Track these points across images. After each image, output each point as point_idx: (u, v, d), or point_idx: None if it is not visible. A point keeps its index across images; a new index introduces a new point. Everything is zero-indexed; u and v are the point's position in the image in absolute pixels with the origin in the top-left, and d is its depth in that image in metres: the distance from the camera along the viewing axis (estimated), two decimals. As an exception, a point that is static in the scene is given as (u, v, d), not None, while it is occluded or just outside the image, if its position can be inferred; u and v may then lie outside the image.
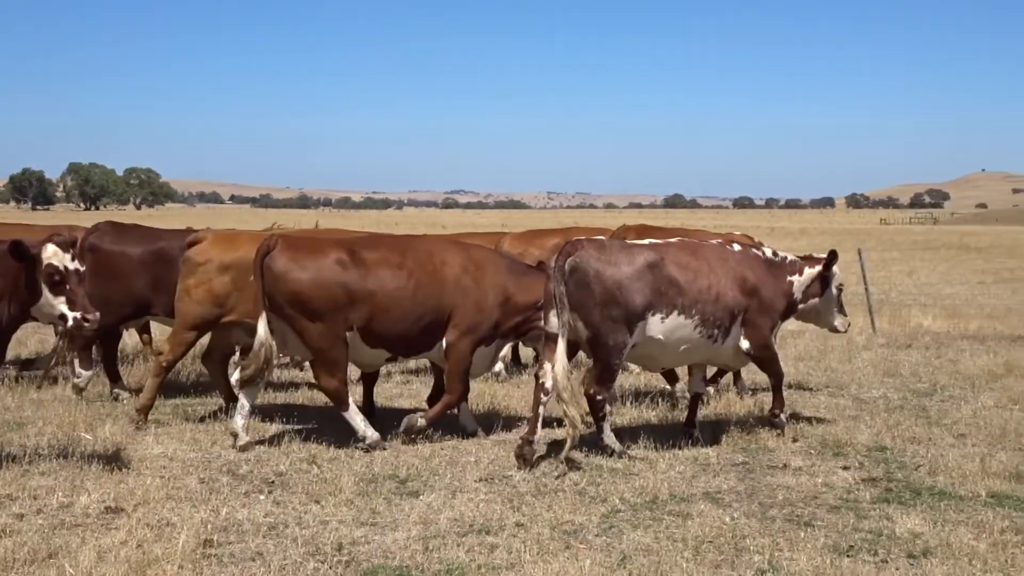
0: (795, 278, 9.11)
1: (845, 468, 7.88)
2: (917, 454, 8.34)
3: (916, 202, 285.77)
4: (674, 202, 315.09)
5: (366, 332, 8.44)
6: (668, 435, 8.76)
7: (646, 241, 8.54)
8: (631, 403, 10.08)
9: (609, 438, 8.25)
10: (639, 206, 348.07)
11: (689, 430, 8.78)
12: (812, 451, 8.45)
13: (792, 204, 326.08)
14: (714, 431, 8.90)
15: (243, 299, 9.02)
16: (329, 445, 8.43)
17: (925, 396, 11.00)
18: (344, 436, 8.50)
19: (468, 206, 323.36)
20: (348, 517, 6.61)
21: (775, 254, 9.11)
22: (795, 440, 8.77)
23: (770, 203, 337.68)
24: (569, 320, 7.88)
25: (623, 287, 8.00)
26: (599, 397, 8.15)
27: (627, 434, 8.75)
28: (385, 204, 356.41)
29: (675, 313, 8.19)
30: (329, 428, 8.89)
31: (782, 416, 8.94)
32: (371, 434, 8.41)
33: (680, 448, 8.41)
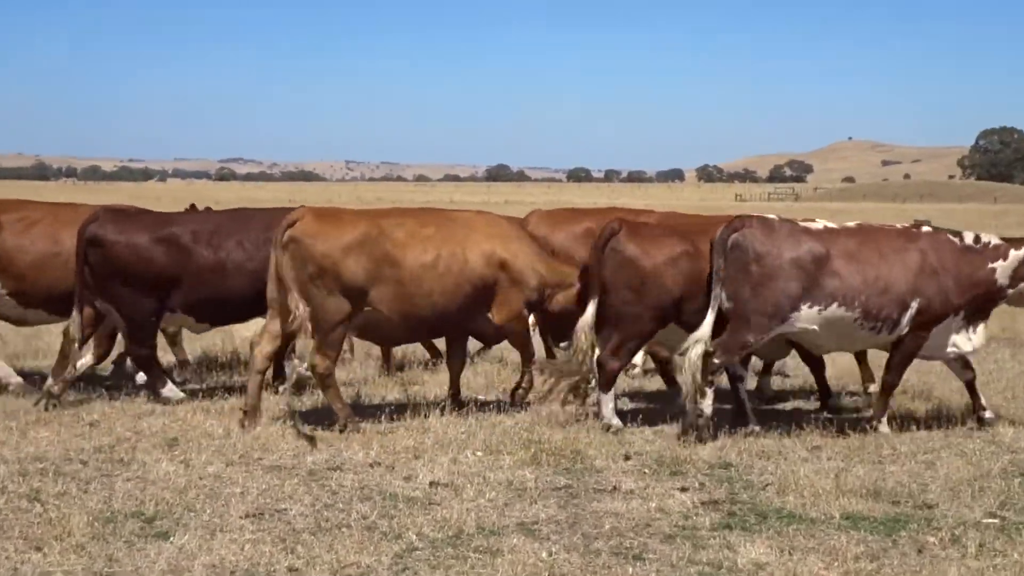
0: (999, 264, 9.93)
1: (683, 489, 8.07)
2: (765, 471, 8.62)
3: (776, 175, 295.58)
4: (498, 174, 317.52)
5: (682, 322, 9.88)
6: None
7: (819, 224, 9.76)
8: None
9: (701, 407, 9.46)
10: (456, 178, 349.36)
11: (872, 423, 9.96)
12: (646, 470, 8.62)
13: (636, 177, 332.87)
14: (535, 450, 8.98)
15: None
16: (57, 477, 8.13)
17: (776, 404, 11.36)
18: (74, 466, 8.21)
19: (248, 177, 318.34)
20: (78, 567, 6.39)
21: (976, 240, 10.00)
22: (627, 458, 8.94)
23: (610, 175, 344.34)
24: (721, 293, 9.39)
25: (777, 274, 9.35)
26: (715, 360, 9.46)
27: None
28: (145, 175, 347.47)
29: (834, 305, 9.47)
30: (58, 451, 8.60)
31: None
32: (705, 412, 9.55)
33: (495, 470, 8.45)
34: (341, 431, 9.68)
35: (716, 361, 9.46)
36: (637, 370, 12.57)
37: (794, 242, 9.48)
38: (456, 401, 10.63)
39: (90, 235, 10.74)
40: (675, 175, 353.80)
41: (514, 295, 10.38)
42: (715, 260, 9.47)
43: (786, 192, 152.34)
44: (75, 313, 10.70)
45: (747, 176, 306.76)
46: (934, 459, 8.98)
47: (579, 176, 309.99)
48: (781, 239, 9.49)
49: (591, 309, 9.97)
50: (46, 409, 10.44)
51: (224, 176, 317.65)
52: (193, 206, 13.47)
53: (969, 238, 10.03)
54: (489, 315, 10.35)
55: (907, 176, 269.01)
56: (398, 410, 10.44)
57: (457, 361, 10.89)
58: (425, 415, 10.10)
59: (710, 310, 9.45)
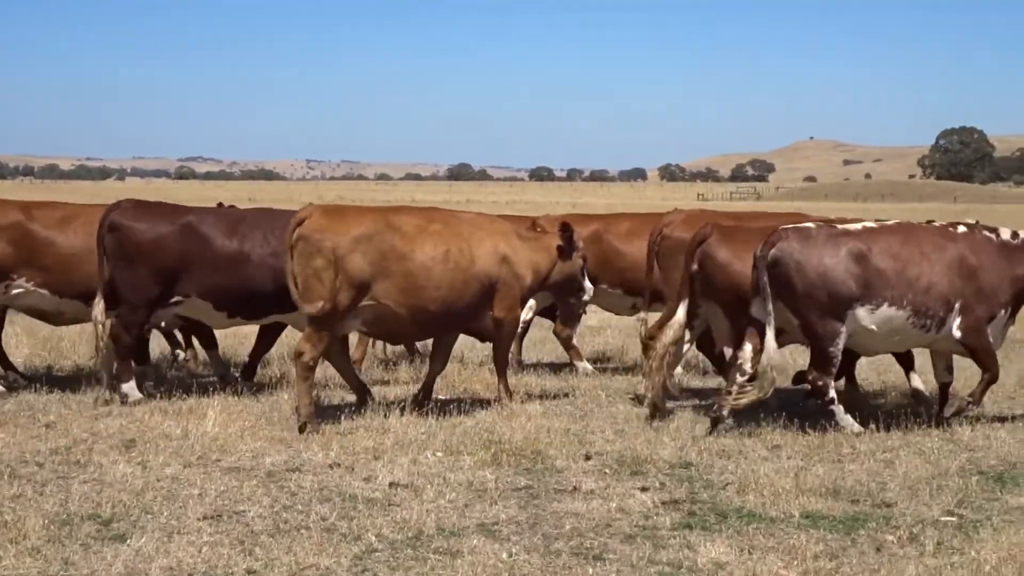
0: None
1: (644, 489, 8.10)
2: (726, 470, 8.67)
3: (738, 174, 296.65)
4: (460, 173, 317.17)
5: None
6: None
7: (857, 226, 9.98)
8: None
9: (844, 420, 9.88)
10: (418, 177, 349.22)
11: (945, 417, 10.25)
12: (607, 470, 8.65)
13: (598, 176, 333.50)
14: (496, 451, 8.99)
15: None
16: (13, 479, 8.08)
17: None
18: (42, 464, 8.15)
19: (208, 176, 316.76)
20: (33, 570, 6.34)
21: (1014, 235, 10.24)
22: (588, 458, 8.97)
23: (572, 175, 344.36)
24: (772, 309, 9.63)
25: (827, 279, 9.60)
26: (820, 383, 9.82)
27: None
28: (103, 174, 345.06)
29: (885, 305, 9.72)
30: (14, 453, 8.53)
31: (970, 406, 10.33)
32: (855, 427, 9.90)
33: (455, 471, 8.46)
34: (301, 431, 9.69)
35: (821, 385, 9.84)
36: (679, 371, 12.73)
37: (833, 246, 9.70)
38: (421, 401, 10.68)
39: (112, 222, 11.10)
40: (637, 174, 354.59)
41: (514, 290, 10.70)
42: (759, 278, 9.69)
43: (748, 191, 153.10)
44: (98, 297, 10.95)
45: (709, 175, 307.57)
46: (893, 458, 9.05)
47: (541, 175, 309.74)
48: (820, 245, 9.71)
49: (681, 312, 10.36)
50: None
51: (184, 175, 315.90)
52: (220, 205, 13.67)
53: (1006, 234, 10.29)
54: (490, 311, 10.64)
55: (868, 176, 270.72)
56: (358, 410, 10.43)
57: (439, 363, 11.04)
58: (385, 415, 10.10)
59: (768, 328, 9.61)
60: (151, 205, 11.49)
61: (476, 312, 10.56)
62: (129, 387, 10.95)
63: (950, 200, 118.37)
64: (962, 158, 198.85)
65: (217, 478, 8.24)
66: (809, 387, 10.31)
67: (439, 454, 8.98)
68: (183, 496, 7.77)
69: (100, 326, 10.90)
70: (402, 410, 10.24)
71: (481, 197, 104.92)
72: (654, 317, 11.21)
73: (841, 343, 9.81)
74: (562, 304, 12.88)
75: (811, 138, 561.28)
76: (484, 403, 10.87)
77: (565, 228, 11.24)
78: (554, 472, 8.59)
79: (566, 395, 11.63)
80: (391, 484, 8.10)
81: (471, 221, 10.75)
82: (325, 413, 10.39)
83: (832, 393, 9.96)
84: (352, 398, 11.11)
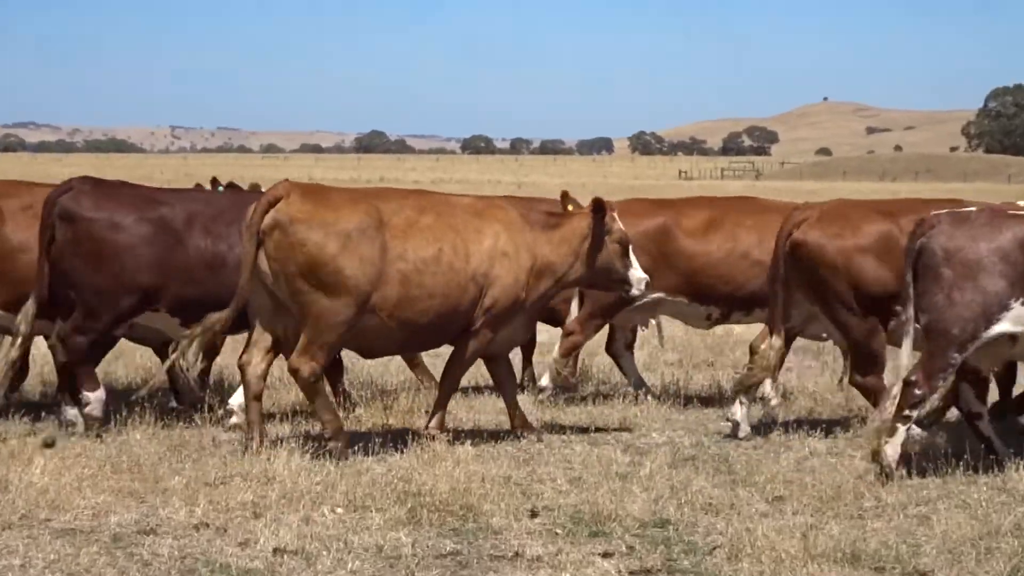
0: None
1: (606, 555, 8.08)
2: (713, 529, 8.66)
3: (731, 146, 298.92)
4: (372, 144, 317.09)
5: None
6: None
7: None
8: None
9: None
10: (318, 149, 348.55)
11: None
12: (559, 530, 8.63)
13: (551, 148, 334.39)
14: (414, 505, 8.95)
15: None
16: None
17: (728, 441, 11.49)
18: None
19: (42, 148, 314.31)
20: None
21: None
22: (534, 514, 8.95)
23: (517, 146, 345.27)
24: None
25: (975, 271, 10.01)
26: (917, 391, 10.07)
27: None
28: None
29: None
30: None
31: None
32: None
33: (360, 532, 8.41)
34: (333, 455, 10.25)
35: (918, 393, 10.09)
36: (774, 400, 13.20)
37: (993, 230, 10.12)
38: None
39: None
40: (601, 145, 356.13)
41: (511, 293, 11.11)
42: (905, 273, 10.32)
43: (744, 167, 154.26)
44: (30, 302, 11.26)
45: (694, 147, 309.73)
46: (929, 512, 9.09)
47: (477, 147, 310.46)
48: (976, 229, 10.13)
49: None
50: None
51: (10, 146, 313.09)
52: (215, 181, 14.00)
53: None
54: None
55: (898, 148, 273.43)
56: (236, 453, 10.35)
57: (450, 383, 11.51)
58: (269, 459, 10.01)
59: (904, 337, 10.22)
60: (114, 188, 11.71)
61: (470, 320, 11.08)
62: (94, 406, 11.37)
63: (1003, 179, 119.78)
64: (1018, 125, 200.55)
65: (46, 543, 8.12)
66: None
67: (339, 510, 8.93)
68: (0, 568, 7.66)
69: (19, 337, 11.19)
70: (291, 452, 10.17)
71: (399, 174, 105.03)
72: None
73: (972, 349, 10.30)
74: (599, 306, 13.11)
75: (825, 100, 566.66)
76: (400, 441, 10.83)
77: (599, 205, 11.40)
78: (490, 533, 8.56)
79: (506, 433, 11.59)
80: (275, 550, 8.01)
81: (467, 208, 11.21)
82: (185, 450, 10.33)
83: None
84: (228, 436, 11.03)
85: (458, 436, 11.19)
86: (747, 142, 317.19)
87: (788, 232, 11.77)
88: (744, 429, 11.56)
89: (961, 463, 10.30)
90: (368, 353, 11.56)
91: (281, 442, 10.53)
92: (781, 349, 11.85)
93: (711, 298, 13.20)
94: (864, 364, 11.58)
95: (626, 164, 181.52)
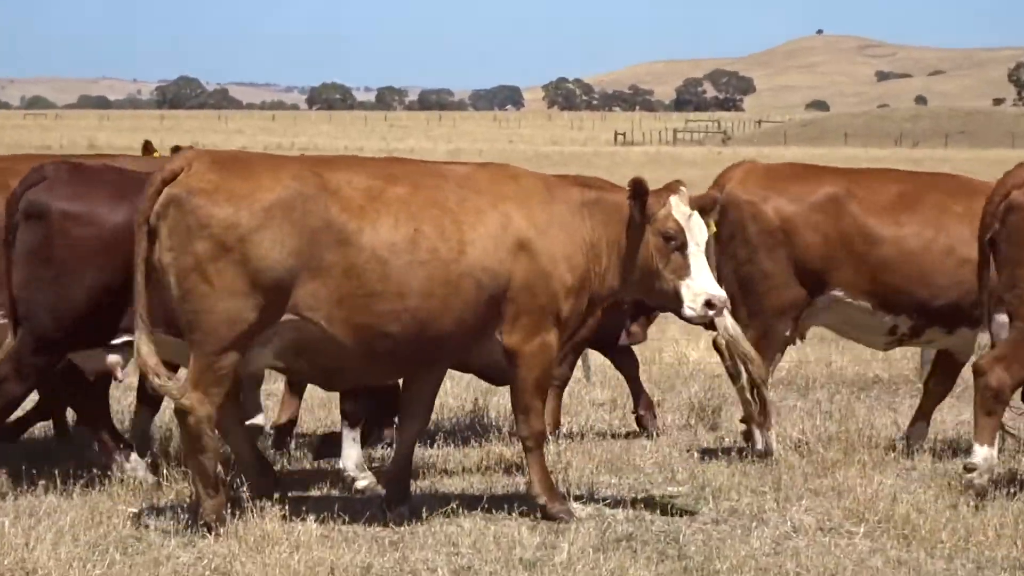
0: None
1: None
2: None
3: (688, 97, 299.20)
4: (179, 95, 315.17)
5: None
6: None
7: None
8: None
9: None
10: (104, 103, 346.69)
11: None
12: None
13: (435, 102, 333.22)
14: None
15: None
16: None
17: (677, 516, 11.61)
18: None
19: None
20: None
21: None
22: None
23: (386, 99, 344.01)
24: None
25: None
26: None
27: None
28: None
29: None
30: None
31: None
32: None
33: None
34: (205, 527, 10.44)
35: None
36: None
37: None
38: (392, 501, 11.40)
39: None
40: (507, 98, 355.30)
41: (541, 300, 11.16)
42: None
43: (706, 127, 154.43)
44: None
45: (636, 99, 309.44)
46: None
47: (330, 99, 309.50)
48: None
49: None
50: None
51: None
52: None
53: None
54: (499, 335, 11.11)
55: (921, 100, 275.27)
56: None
57: (416, 422, 11.70)
58: (28, 543, 9.98)
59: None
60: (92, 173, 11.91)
61: (473, 336, 11.03)
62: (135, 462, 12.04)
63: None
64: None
65: None
66: None
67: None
68: None
69: None
70: (60, 531, 10.16)
71: (218, 138, 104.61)
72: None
73: None
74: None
75: (819, 33, 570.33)
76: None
77: (638, 187, 11.34)
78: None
79: (367, 503, 11.62)
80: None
81: (464, 180, 11.14)
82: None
83: None
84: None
85: (300, 507, 11.20)
86: (710, 92, 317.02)
87: (1002, 197, 12.02)
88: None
89: None
90: (324, 381, 11.68)
91: (49, 515, 10.53)
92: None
93: (902, 306, 13.37)
94: None
95: (540, 123, 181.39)
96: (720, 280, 12.07)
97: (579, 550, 10.23)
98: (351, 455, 12.00)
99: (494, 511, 11.46)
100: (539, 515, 11.10)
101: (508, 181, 11.30)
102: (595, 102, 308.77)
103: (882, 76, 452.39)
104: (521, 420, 11.31)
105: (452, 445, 13.97)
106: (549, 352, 11.20)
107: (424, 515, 11.38)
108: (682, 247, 11.32)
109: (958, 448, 13.44)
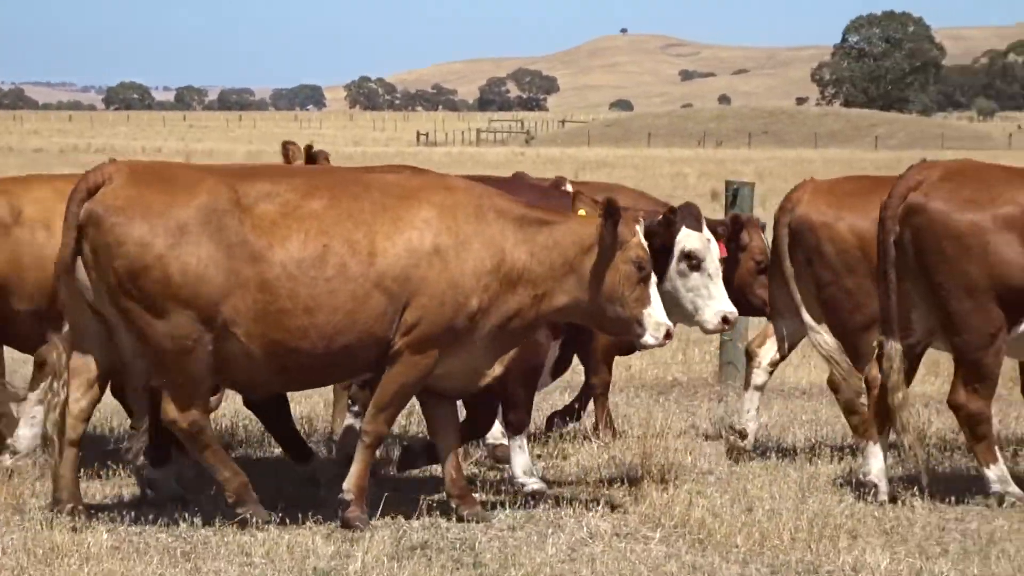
0: None
1: None
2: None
3: (491, 97, 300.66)
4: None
5: None
6: None
7: None
8: None
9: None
10: None
11: None
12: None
13: (235, 102, 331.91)
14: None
15: None
16: None
17: (474, 523, 11.59)
18: None
19: None
20: None
21: None
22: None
23: (185, 98, 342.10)
24: None
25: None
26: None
27: None
28: None
29: None
30: None
31: None
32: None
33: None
34: (236, 509, 10.83)
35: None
36: None
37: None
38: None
39: None
40: (307, 97, 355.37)
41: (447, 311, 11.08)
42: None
43: (509, 128, 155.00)
44: None
45: (440, 99, 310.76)
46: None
47: (128, 99, 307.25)
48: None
49: None
50: None
51: None
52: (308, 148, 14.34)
53: None
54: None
55: (725, 99, 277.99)
56: None
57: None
58: None
59: None
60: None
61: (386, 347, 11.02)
62: None
63: (868, 143, 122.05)
64: (888, 68, 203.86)
65: None
66: None
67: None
68: None
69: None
70: None
71: (13, 140, 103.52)
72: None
73: None
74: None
75: (623, 32, 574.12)
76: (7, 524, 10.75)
77: (610, 208, 11.14)
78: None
79: (159, 510, 11.54)
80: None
81: (389, 188, 11.10)
82: None
83: None
84: None
85: (91, 518, 11.13)
86: (514, 92, 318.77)
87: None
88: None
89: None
90: (245, 389, 11.71)
91: None
92: None
93: None
94: None
95: (342, 124, 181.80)
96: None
97: (373, 559, 10.25)
98: (519, 462, 12.40)
99: (288, 520, 11.44)
100: (336, 523, 11.06)
101: (439, 191, 11.20)
102: (398, 102, 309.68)
103: (686, 75, 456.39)
104: (372, 415, 11.26)
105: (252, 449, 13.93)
106: (431, 362, 11.17)
107: (216, 524, 11.37)
108: (647, 278, 11.27)
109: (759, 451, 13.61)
